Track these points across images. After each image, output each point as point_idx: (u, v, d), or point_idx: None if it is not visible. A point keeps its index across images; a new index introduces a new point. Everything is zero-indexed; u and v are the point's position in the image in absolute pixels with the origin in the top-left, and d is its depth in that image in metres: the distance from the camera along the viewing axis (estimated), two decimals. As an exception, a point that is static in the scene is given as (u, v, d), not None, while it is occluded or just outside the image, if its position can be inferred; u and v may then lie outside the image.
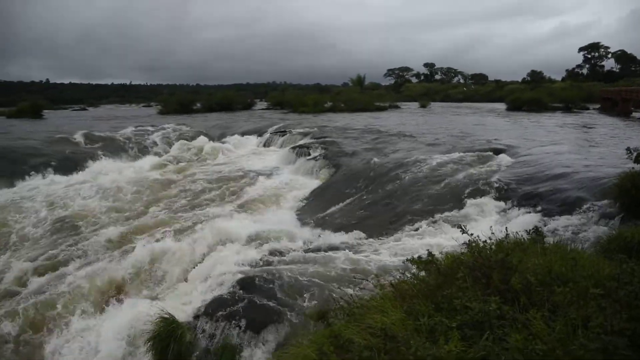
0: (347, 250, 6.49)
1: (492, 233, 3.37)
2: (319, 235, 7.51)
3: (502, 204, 7.63)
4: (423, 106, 41.36)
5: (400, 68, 78.93)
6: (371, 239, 7.17)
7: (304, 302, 4.91)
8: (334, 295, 4.66)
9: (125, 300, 6.22)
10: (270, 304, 4.90)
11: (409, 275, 3.24)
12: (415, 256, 3.29)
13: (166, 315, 4.95)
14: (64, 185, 13.38)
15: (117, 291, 6.65)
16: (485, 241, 3.17)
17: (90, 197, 11.66)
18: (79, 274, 7.04)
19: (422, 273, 3.20)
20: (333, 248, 6.72)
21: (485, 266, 2.76)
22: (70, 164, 15.98)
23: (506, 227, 3.59)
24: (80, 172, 15.40)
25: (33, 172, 14.56)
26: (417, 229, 7.29)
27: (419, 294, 2.90)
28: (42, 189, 12.97)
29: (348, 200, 9.61)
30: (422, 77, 79.08)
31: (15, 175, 14.19)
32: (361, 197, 9.62)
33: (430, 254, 3.22)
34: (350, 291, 4.29)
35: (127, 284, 6.77)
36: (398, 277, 3.43)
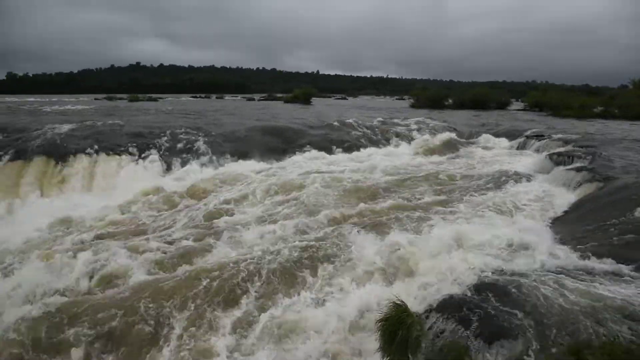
0: (606, 279, 5.49)
1: None
2: (574, 256, 6.52)
3: None
4: None
5: None
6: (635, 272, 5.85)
7: (547, 326, 4.42)
8: (588, 328, 4.06)
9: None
10: (507, 317, 4.62)
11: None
12: None
13: (399, 302, 5.24)
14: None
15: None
16: None
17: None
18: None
19: None
20: (589, 273, 5.75)
21: None
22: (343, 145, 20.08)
23: None
24: (347, 153, 19.09)
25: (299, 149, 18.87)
26: None
27: None
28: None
29: (611, 222, 7.96)
30: None
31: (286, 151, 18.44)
32: (628, 220, 7.86)
33: None
34: (608, 328, 3.66)
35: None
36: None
